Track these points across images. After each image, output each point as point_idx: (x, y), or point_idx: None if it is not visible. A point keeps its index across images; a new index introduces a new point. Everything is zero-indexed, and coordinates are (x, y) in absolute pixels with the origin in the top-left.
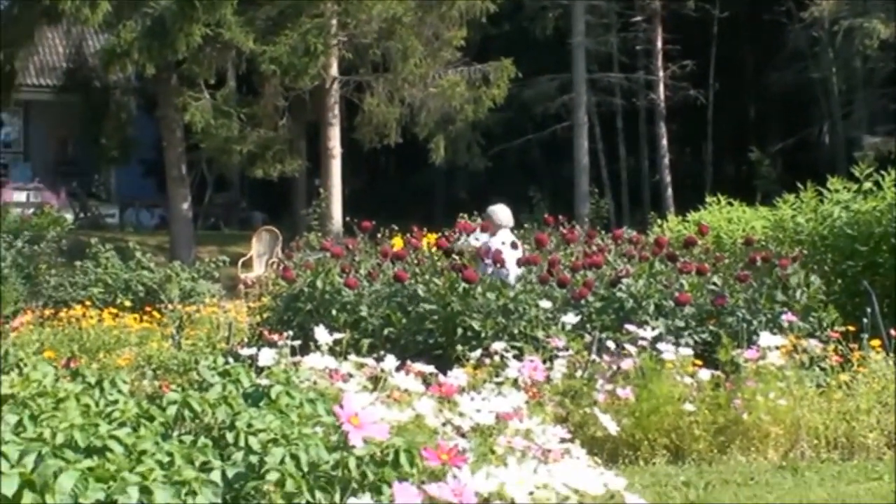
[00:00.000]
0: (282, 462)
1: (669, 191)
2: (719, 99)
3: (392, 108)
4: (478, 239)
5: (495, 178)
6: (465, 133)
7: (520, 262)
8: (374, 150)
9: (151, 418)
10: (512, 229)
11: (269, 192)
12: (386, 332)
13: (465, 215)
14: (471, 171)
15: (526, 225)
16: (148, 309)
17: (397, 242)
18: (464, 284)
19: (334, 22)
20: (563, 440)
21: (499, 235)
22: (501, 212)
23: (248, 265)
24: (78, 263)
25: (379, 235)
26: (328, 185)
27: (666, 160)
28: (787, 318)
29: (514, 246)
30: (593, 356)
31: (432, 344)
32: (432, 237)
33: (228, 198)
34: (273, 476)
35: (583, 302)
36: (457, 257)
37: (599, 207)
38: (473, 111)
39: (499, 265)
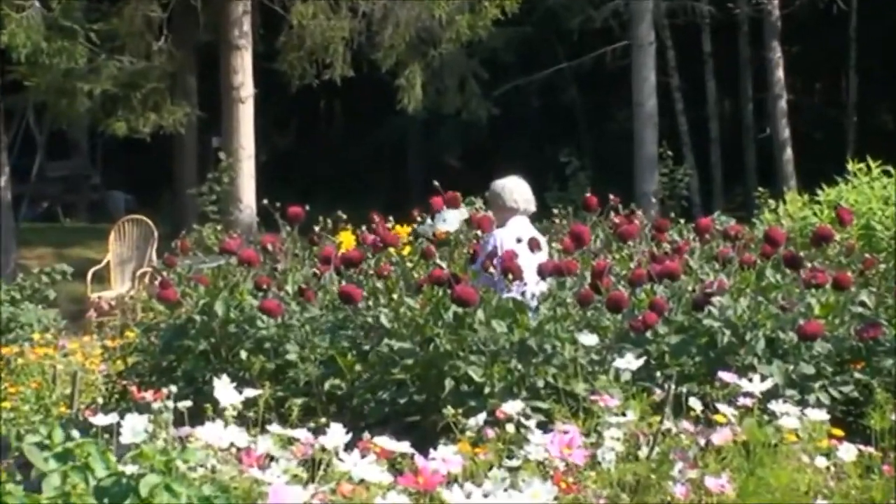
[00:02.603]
0: None
1: (788, 153)
2: (867, 5)
3: (338, 20)
4: (445, 220)
5: (505, 135)
6: (457, 62)
7: (544, 271)
8: (309, 91)
9: None
10: (533, 217)
11: (136, 161)
12: (329, 385)
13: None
14: (465, 124)
15: (555, 210)
16: None
17: (347, 240)
18: (455, 308)
19: None
20: None
21: (510, 227)
22: (515, 189)
23: (103, 278)
24: None
25: (317, 228)
26: (233, 148)
27: (782, 104)
28: None
29: (534, 245)
30: (666, 423)
31: (405, 405)
32: (404, 230)
33: (71, 169)
34: None
35: (649, 335)
36: (441, 263)
37: (675, 181)
38: (469, 26)
39: (511, 277)
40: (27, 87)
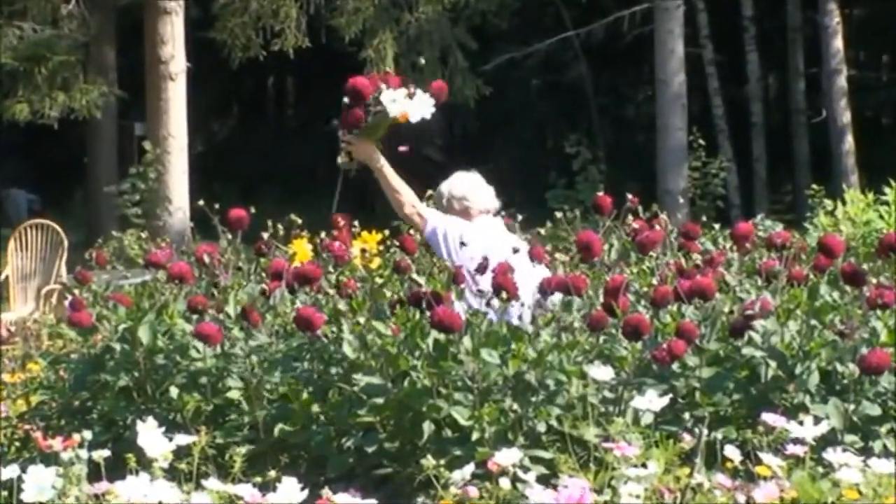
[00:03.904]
0: None
1: (848, 141)
2: None
3: None
4: (395, 100)
5: (498, 121)
6: (437, 30)
7: (547, 289)
8: (255, 66)
9: None
10: (531, 223)
11: (41, 152)
12: (280, 430)
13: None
14: (449, 107)
15: (559, 213)
16: None
17: (301, 250)
18: (435, 334)
19: None
20: None
21: (472, 230)
22: (469, 189)
23: (0, 297)
24: None
25: (265, 235)
26: (161, 136)
27: (841, 81)
28: None
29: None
30: (697, 476)
31: (374, 454)
32: (373, 238)
33: None
34: None
35: (675, 368)
36: (418, 278)
37: (707, 176)
38: None
39: (498, 294)
40: None
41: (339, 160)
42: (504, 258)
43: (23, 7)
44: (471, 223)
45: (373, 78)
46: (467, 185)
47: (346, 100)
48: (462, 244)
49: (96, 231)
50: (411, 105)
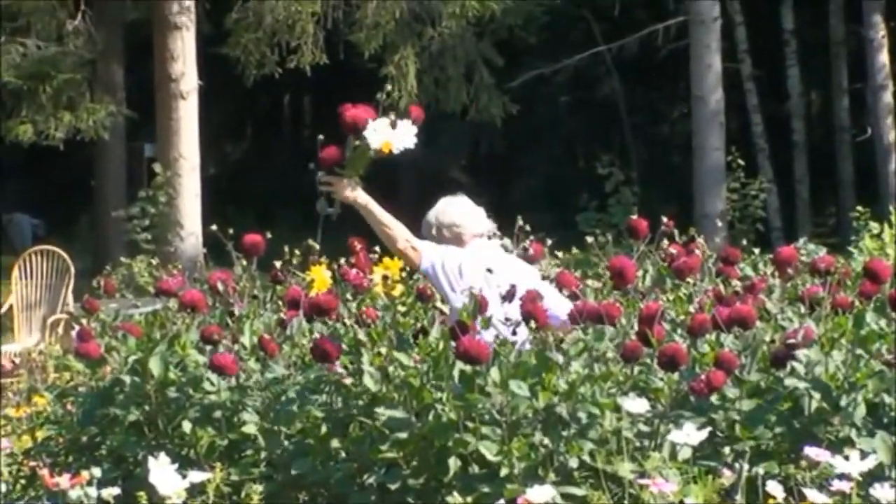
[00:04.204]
0: None
1: (894, 161)
2: None
3: None
4: (377, 130)
5: (525, 140)
6: (462, 45)
7: (578, 317)
8: (271, 84)
9: None
10: (558, 246)
11: (46, 175)
12: (298, 467)
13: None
14: (474, 126)
15: (590, 237)
16: None
17: (319, 277)
18: (461, 365)
19: None
20: None
21: (470, 258)
22: (459, 215)
23: (4, 327)
24: None
25: (281, 262)
26: (172, 158)
27: (886, 97)
28: None
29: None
30: None
31: (397, 492)
32: (395, 264)
33: None
34: None
35: (714, 400)
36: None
37: (747, 198)
38: None
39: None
40: None
41: (318, 206)
42: (507, 282)
43: (26, 23)
44: (464, 250)
45: (363, 111)
46: (457, 211)
47: (351, 139)
48: (489, 270)
49: (104, 257)
50: (394, 134)
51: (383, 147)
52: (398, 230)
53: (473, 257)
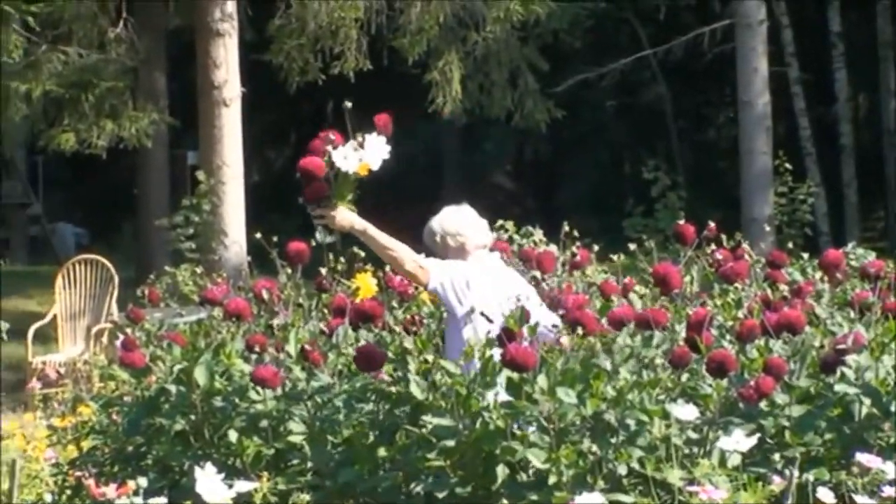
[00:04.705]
0: None
1: None
2: None
3: None
4: (346, 157)
5: (570, 145)
6: (506, 50)
7: (623, 322)
8: (314, 90)
9: None
10: (604, 253)
11: (89, 184)
12: (345, 475)
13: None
14: (518, 131)
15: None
16: None
17: (365, 284)
18: (508, 373)
19: None
20: None
21: (476, 271)
22: (463, 224)
23: (49, 338)
24: None
25: (326, 270)
26: (215, 166)
27: None
28: None
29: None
30: None
31: (445, 499)
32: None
33: (2, 196)
34: None
35: (763, 406)
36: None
37: (795, 202)
38: (522, 3)
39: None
40: None
41: (318, 237)
42: (512, 294)
43: (68, 31)
44: (469, 262)
45: (318, 143)
46: (461, 220)
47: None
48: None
49: (148, 266)
50: (366, 153)
51: (361, 170)
52: (402, 251)
53: (482, 271)
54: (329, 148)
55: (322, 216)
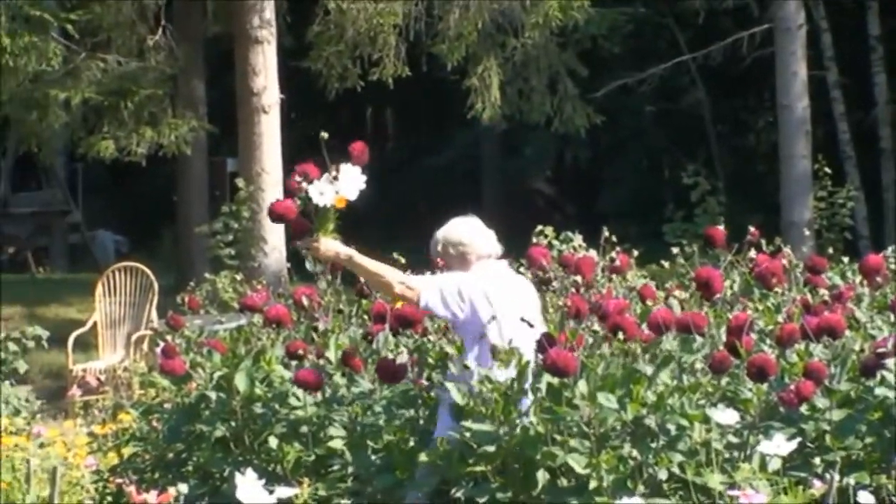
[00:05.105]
0: None
1: None
2: None
3: (388, 2)
4: (322, 192)
5: (610, 151)
6: (545, 55)
7: (662, 328)
8: (353, 97)
9: None
10: (645, 259)
11: (128, 191)
12: (385, 481)
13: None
14: (558, 137)
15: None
16: None
17: None
18: (549, 378)
19: None
20: None
21: (459, 280)
22: (466, 235)
23: (89, 345)
24: None
25: None
26: (254, 172)
27: None
28: None
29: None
30: None
31: None
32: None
33: (43, 204)
34: None
35: (803, 410)
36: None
37: (834, 206)
38: (561, 8)
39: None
40: None
41: (308, 266)
42: (515, 304)
43: (106, 38)
44: (471, 272)
45: (293, 184)
46: (465, 230)
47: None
48: (524, 321)
49: (187, 273)
50: (341, 185)
51: (338, 203)
52: (389, 275)
53: (488, 280)
54: (304, 185)
55: (309, 249)
